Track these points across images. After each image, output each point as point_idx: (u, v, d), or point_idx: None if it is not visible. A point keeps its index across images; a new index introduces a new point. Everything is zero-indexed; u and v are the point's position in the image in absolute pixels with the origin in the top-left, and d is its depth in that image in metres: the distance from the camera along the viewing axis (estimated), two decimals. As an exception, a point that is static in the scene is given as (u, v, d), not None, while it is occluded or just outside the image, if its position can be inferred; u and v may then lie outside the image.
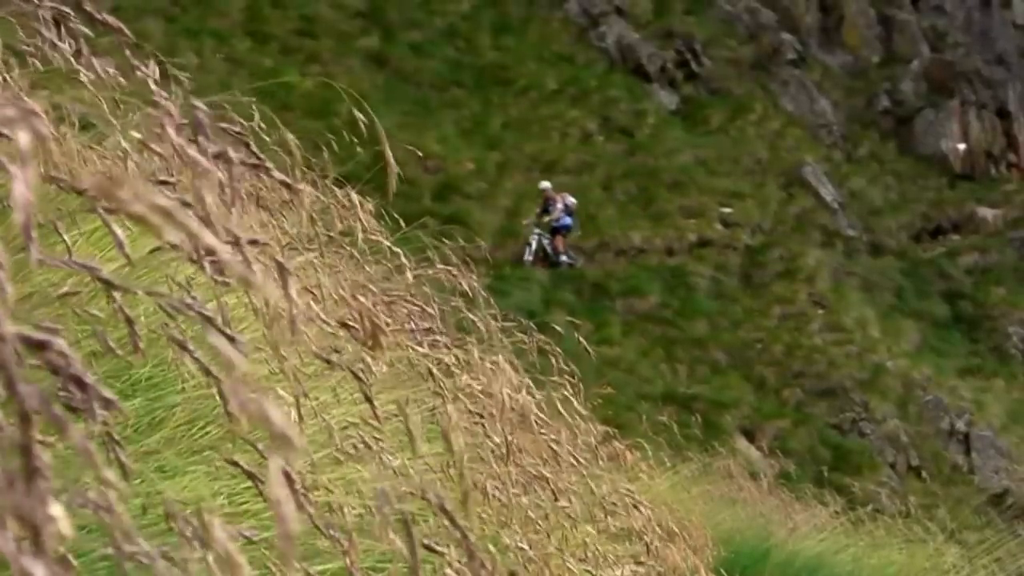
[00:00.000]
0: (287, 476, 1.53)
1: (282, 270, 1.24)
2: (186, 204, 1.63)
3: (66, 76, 2.03)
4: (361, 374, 1.74)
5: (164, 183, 1.74)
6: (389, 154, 1.99)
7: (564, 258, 23.78)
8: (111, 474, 0.82)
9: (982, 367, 26.60)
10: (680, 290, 24.83)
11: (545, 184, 23.85)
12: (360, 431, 2.32)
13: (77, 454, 0.83)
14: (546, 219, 23.50)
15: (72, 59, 1.96)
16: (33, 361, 0.80)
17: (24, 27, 2.12)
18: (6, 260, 0.77)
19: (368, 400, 1.57)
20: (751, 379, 22.92)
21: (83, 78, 1.99)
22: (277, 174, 1.60)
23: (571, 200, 23.85)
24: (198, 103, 1.49)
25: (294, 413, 2.10)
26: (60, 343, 0.81)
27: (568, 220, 23.70)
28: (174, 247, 1.21)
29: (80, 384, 0.85)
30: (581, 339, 4.41)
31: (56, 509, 0.72)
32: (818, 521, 9.04)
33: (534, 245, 23.34)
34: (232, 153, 1.56)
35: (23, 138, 0.76)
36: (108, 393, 0.89)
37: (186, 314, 1.53)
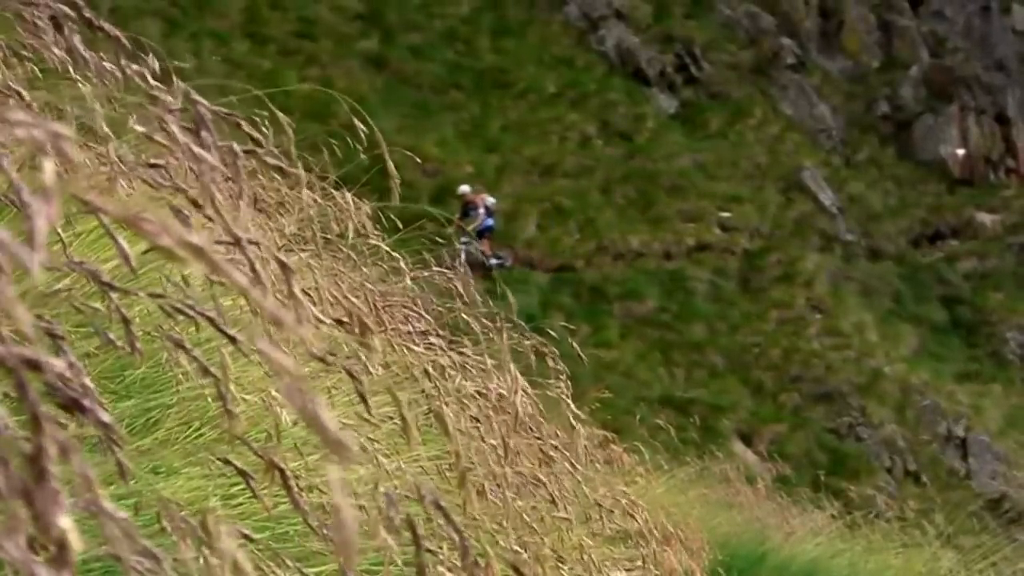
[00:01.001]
0: (284, 474, 1.53)
1: (286, 269, 1.24)
2: (179, 189, 1.64)
3: (63, 76, 2.03)
4: (356, 373, 1.74)
5: (155, 166, 1.74)
6: (390, 163, 2.00)
7: (494, 260, 23.45)
8: (110, 505, 0.80)
9: (980, 372, 26.61)
10: (678, 294, 24.83)
11: (464, 188, 23.03)
12: (356, 432, 2.32)
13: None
14: (471, 226, 22.91)
15: (69, 59, 1.96)
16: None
17: (23, 27, 2.12)
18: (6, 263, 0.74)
19: (362, 399, 1.57)
20: (749, 383, 22.92)
21: (79, 77, 1.99)
22: (275, 162, 1.60)
23: (491, 200, 23.28)
24: (199, 98, 1.49)
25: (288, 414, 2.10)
26: (58, 364, 0.77)
27: (490, 221, 23.18)
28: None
29: (79, 407, 0.84)
30: (575, 344, 4.40)
31: (66, 521, 0.69)
32: (815, 525, 9.04)
33: (463, 257, 22.50)
34: (236, 147, 1.56)
35: (48, 168, 0.65)
36: (106, 416, 0.88)
37: (186, 315, 1.53)
